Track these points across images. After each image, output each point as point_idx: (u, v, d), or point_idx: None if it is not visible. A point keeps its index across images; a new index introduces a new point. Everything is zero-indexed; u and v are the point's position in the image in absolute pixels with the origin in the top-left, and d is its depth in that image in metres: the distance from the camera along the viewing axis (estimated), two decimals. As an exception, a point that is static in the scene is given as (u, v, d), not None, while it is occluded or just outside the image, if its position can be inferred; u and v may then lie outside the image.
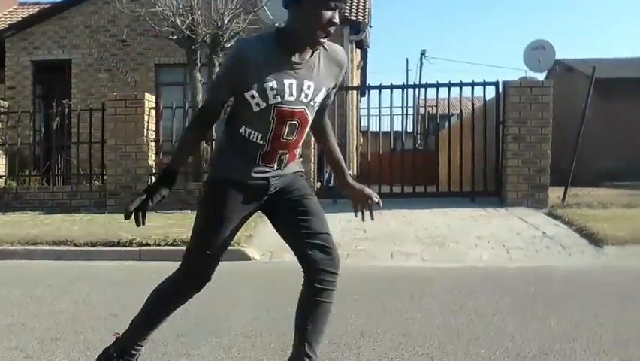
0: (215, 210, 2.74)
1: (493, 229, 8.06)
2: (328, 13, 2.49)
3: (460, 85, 11.04)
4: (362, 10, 17.67)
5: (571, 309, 4.63)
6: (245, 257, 6.98)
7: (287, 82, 2.57)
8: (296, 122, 2.66)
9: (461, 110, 11.80)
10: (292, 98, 2.60)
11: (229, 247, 2.91)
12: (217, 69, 11.46)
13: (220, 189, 2.73)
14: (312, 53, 2.64)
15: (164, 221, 8.65)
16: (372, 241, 7.59)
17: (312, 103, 2.68)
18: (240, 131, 2.69)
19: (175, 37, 11.47)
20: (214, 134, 9.58)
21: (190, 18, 11.21)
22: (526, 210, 9.43)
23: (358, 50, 17.28)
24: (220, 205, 2.73)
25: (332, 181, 12.76)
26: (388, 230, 8.06)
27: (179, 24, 11.16)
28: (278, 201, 2.82)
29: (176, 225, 8.27)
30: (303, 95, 2.62)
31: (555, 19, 80.00)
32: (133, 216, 2.63)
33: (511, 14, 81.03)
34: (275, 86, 2.56)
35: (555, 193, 10.56)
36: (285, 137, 2.68)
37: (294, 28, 2.55)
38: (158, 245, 7.27)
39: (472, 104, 11.51)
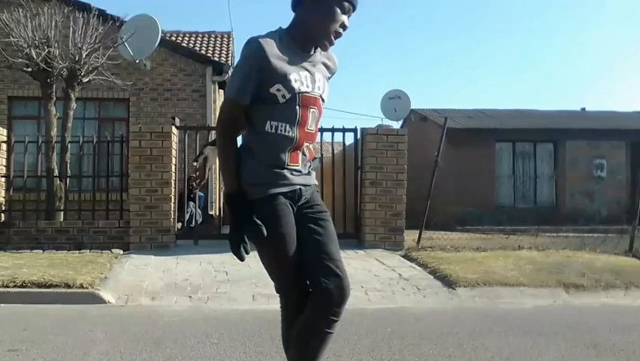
0: (277, 230, 2.67)
1: (352, 271, 8.19)
2: (342, 15, 2.63)
3: (322, 130, 11.27)
4: (225, 52, 17.77)
5: (426, 349, 4.78)
6: (99, 300, 6.68)
7: (302, 74, 2.68)
8: (316, 110, 2.75)
9: (322, 154, 12.01)
10: (309, 89, 2.69)
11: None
12: (74, 104, 11.08)
13: (269, 207, 2.68)
14: (315, 50, 2.74)
15: (12, 261, 8.15)
16: (234, 283, 7.51)
17: (323, 96, 2.78)
18: (266, 128, 2.68)
19: (30, 69, 10.98)
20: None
21: (46, 51, 10.78)
22: (384, 253, 9.70)
23: (221, 91, 17.30)
24: (279, 224, 2.68)
25: (193, 222, 12.56)
26: (250, 272, 7.99)
27: (35, 56, 10.71)
28: (299, 213, 2.78)
29: (25, 265, 7.81)
30: (316, 86, 2.74)
31: (411, 70, 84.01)
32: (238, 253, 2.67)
33: (370, 63, 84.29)
34: (296, 77, 2.63)
35: (411, 236, 10.95)
36: (308, 127, 2.73)
37: (308, 26, 2.67)
38: (6, 286, 6.82)
39: (332, 149, 11.76)
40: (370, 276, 7.95)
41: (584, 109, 25.69)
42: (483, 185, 19.14)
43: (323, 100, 2.80)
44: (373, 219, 10.40)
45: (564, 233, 14.94)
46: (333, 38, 2.69)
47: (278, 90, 2.62)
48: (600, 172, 20.07)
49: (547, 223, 17.30)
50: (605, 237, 11.88)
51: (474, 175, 18.76)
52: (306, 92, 2.69)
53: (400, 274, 8.04)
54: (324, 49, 2.76)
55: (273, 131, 2.67)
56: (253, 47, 2.59)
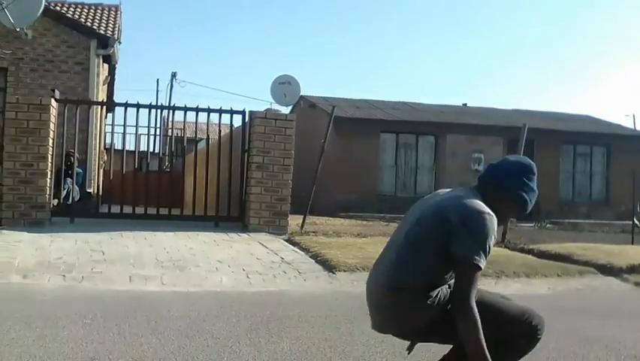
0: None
1: (234, 254, 8.16)
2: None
3: (208, 111, 11.13)
4: (112, 25, 17.16)
5: (303, 332, 4.81)
6: None
7: None
8: None
9: (208, 135, 11.87)
10: None
11: None
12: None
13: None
14: None
15: None
16: (110, 263, 7.29)
17: None
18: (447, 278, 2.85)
19: None
20: None
21: None
22: (267, 236, 9.70)
23: (106, 65, 16.69)
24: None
25: (70, 199, 12.09)
26: (128, 252, 7.80)
27: None
28: None
29: None
30: None
31: (303, 55, 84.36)
32: None
33: (262, 48, 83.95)
34: None
35: (295, 221, 11.02)
36: None
37: (496, 208, 2.86)
38: None
39: (219, 131, 11.64)
40: (253, 259, 7.93)
41: (465, 104, 26.67)
42: (367, 174, 19.54)
43: None
44: (258, 203, 10.37)
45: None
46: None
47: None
48: (477, 166, 20.90)
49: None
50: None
51: (359, 164, 19.12)
52: None
53: (282, 258, 8.07)
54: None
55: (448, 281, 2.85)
56: (495, 223, 2.78)
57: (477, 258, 2.67)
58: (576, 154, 22.59)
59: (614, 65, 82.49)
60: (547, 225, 17.76)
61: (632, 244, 11.72)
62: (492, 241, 2.73)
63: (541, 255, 9.54)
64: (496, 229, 2.76)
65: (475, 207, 2.78)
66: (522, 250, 9.99)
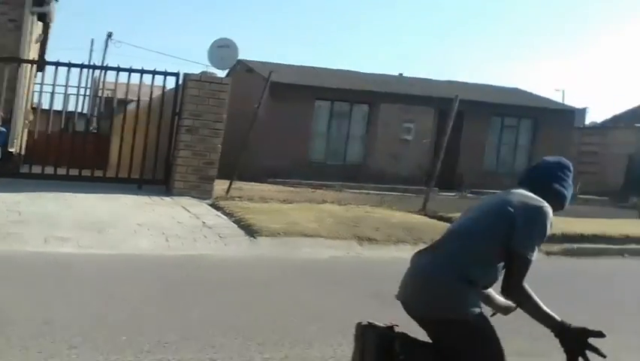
0: (494, 342, 2.88)
1: (155, 217, 8.07)
2: None
3: (142, 72, 10.85)
4: (48, -19, 16.46)
5: (218, 296, 4.84)
6: None
7: None
8: None
9: (139, 97, 11.62)
10: None
11: None
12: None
13: (486, 321, 2.90)
14: None
15: None
16: (27, 224, 7.11)
17: None
18: (496, 265, 2.93)
19: None
20: None
21: None
22: (191, 201, 9.62)
23: (40, 23, 16.05)
24: (494, 336, 2.88)
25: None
26: (46, 213, 7.62)
27: None
28: None
29: None
30: None
31: (244, 19, 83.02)
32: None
33: (203, 10, 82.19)
34: None
35: (221, 186, 10.95)
36: None
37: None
38: None
39: (151, 92, 11.35)
40: (174, 223, 7.86)
41: (401, 74, 26.83)
42: (298, 140, 19.50)
43: None
44: (185, 166, 10.23)
45: (367, 191, 15.67)
46: None
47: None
48: (407, 135, 21.14)
49: (354, 181, 18.03)
50: (403, 196, 12.60)
51: (291, 130, 19.05)
52: None
53: (204, 222, 8.03)
54: None
55: (497, 267, 2.94)
56: (551, 216, 2.95)
57: (532, 254, 2.93)
58: (504, 126, 23.06)
59: (547, 41, 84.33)
60: (469, 194, 18.17)
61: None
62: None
63: (460, 223, 9.76)
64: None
65: (539, 205, 3.00)
66: (440, 219, 10.19)
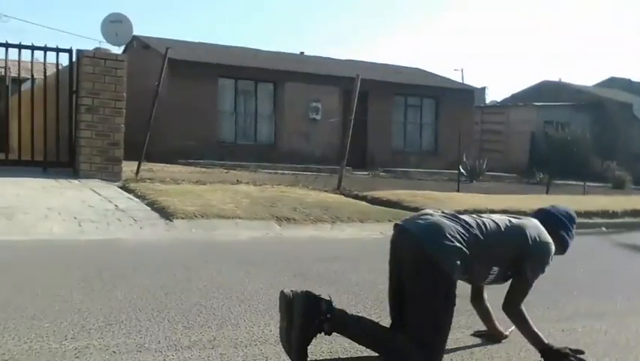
0: (450, 306, 3.16)
1: (65, 201, 7.79)
2: None
3: (32, 48, 10.41)
4: None
5: (138, 280, 4.72)
6: None
7: None
8: None
9: (32, 75, 11.11)
10: None
11: None
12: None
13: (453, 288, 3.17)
14: None
15: None
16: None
17: None
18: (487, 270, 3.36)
19: None
20: None
21: None
22: (100, 183, 9.35)
23: None
24: (453, 301, 3.18)
25: None
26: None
27: None
28: None
29: None
30: None
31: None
32: None
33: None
34: None
35: (130, 168, 10.69)
36: None
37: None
38: None
39: (45, 70, 10.89)
40: (85, 207, 7.61)
41: (302, 53, 26.86)
42: (205, 120, 19.26)
43: None
44: (89, 148, 9.93)
45: (281, 170, 15.68)
46: None
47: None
48: (315, 115, 21.25)
49: (266, 161, 18.01)
50: (317, 175, 12.68)
51: (196, 109, 18.78)
52: None
53: (116, 206, 7.81)
54: None
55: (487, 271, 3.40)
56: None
57: (534, 281, 3.40)
58: (407, 105, 23.55)
59: (446, 20, 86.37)
60: (381, 173, 18.50)
61: (458, 191, 12.50)
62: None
63: (374, 201, 9.95)
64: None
65: (549, 242, 3.42)
66: (356, 197, 10.35)
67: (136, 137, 11.61)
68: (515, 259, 3.34)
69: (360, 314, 4.11)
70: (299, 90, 21.01)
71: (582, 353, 3.38)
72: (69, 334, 3.41)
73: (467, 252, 3.15)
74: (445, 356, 3.42)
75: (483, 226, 3.31)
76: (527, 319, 3.39)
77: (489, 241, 3.27)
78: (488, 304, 3.81)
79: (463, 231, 3.21)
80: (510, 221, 3.45)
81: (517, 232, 3.37)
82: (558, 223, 3.58)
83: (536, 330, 3.38)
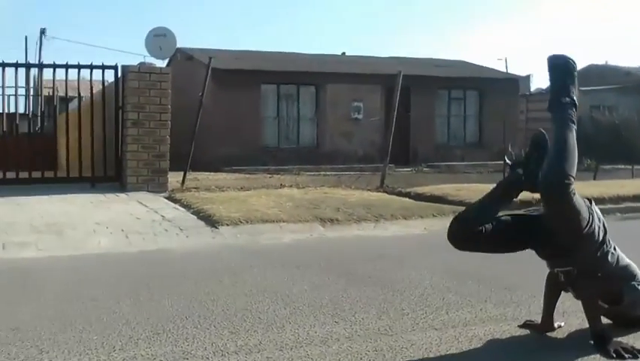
0: None
1: (112, 215, 7.96)
2: None
3: (79, 67, 10.65)
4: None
5: (185, 288, 4.79)
6: None
7: None
8: None
9: (79, 93, 11.38)
10: None
11: None
12: None
13: None
14: None
15: None
16: (-20, 231, 6.94)
17: None
18: None
19: None
20: None
21: None
22: (147, 195, 9.51)
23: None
24: None
25: None
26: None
27: None
28: None
29: None
30: None
31: (178, 9, 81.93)
32: None
33: (134, 2, 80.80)
34: None
35: (176, 178, 10.86)
36: None
37: None
38: None
39: (91, 88, 11.18)
40: (132, 219, 7.76)
41: (344, 53, 26.85)
42: (249, 126, 19.42)
43: None
44: (136, 161, 10.12)
45: (324, 172, 15.71)
46: None
47: None
48: (357, 114, 21.22)
49: (308, 163, 18.06)
50: (360, 175, 12.66)
51: (240, 116, 18.95)
52: None
53: (162, 216, 7.94)
54: None
55: None
56: None
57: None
58: (450, 99, 23.32)
59: (488, 10, 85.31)
60: (424, 168, 18.37)
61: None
62: None
63: (418, 197, 9.89)
64: None
65: None
66: (400, 194, 10.31)
67: (182, 147, 11.79)
68: None
69: (405, 312, 4.13)
70: (340, 91, 21.02)
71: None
72: (117, 345, 3.49)
73: None
74: (496, 345, 3.40)
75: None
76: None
77: None
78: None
79: None
80: None
81: None
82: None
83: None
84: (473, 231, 3.48)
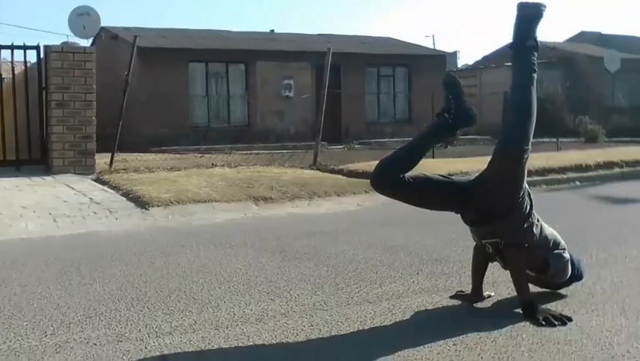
0: None
1: (39, 198, 7.74)
2: None
3: (-1, 47, 10.27)
4: None
5: (116, 271, 4.71)
6: None
7: None
8: None
9: (0, 74, 10.97)
10: None
11: None
12: None
13: None
14: None
15: None
16: None
17: None
18: None
19: None
20: None
21: None
22: (74, 177, 9.29)
23: None
24: None
25: None
26: None
27: None
28: None
29: None
30: None
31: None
32: None
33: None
34: None
35: (103, 159, 10.63)
36: None
37: None
38: None
39: (13, 69, 10.80)
40: (59, 202, 7.57)
41: (272, 31, 26.66)
42: (178, 105, 19.13)
43: None
44: (61, 143, 9.84)
45: (256, 151, 15.64)
46: None
47: None
48: (288, 92, 21.17)
49: (240, 142, 17.96)
50: (293, 153, 12.64)
51: (168, 96, 18.65)
52: None
53: (91, 198, 7.77)
54: None
55: None
56: None
57: None
58: (380, 76, 23.49)
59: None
60: (356, 146, 18.51)
61: (433, 157, 12.53)
62: None
63: (350, 174, 9.97)
64: None
65: None
66: (332, 171, 10.37)
67: (109, 129, 11.54)
68: None
69: (339, 287, 4.17)
70: (270, 68, 20.90)
71: (569, 320, 3.41)
72: (48, 330, 3.42)
73: None
74: (428, 315, 3.48)
75: None
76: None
77: None
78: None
79: None
80: None
81: None
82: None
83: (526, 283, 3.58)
84: (397, 174, 3.52)
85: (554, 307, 3.63)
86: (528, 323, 3.42)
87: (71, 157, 9.85)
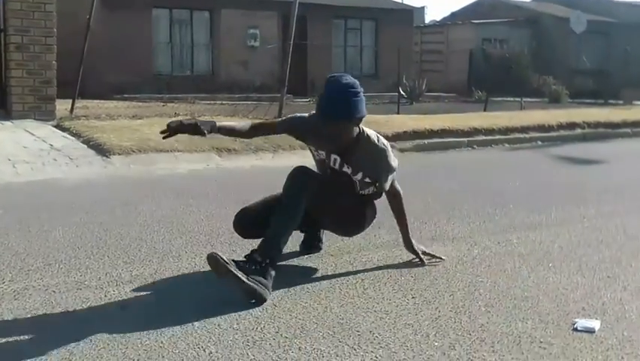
0: None
1: (-4, 144, 7.60)
2: None
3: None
4: None
5: (77, 219, 4.68)
6: None
7: None
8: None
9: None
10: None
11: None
12: None
13: None
14: None
15: None
16: None
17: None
18: None
19: None
20: None
21: None
22: (34, 123, 9.12)
23: None
24: None
25: None
26: None
27: None
28: None
29: None
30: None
31: None
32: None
33: None
34: None
35: (64, 106, 10.44)
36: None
37: None
38: None
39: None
40: (19, 148, 7.43)
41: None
42: (140, 52, 18.75)
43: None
44: (21, 87, 9.61)
45: (220, 101, 15.49)
46: None
47: None
48: (254, 42, 20.90)
49: (204, 92, 17.74)
50: (257, 104, 12.53)
51: (131, 42, 18.26)
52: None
53: (51, 145, 7.65)
54: None
55: None
56: None
57: None
58: (347, 29, 23.31)
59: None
60: (322, 99, 18.41)
61: (398, 113, 12.58)
62: None
63: (316, 128, 9.91)
64: None
65: None
66: (297, 124, 10.31)
67: (70, 75, 11.28)
68: None
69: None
70: (235, 17, 20.56)
71: (440, 259, 3.79)
72: (7, 277, 3.39)
73: None
74: (387, 269, 3.52)
75: None
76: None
77: None
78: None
79: None
80: None
81: None
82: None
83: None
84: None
85: (511, 263, 3.72)
86: (485, 278, 3.49)
87: (31, 102, 9.64)
